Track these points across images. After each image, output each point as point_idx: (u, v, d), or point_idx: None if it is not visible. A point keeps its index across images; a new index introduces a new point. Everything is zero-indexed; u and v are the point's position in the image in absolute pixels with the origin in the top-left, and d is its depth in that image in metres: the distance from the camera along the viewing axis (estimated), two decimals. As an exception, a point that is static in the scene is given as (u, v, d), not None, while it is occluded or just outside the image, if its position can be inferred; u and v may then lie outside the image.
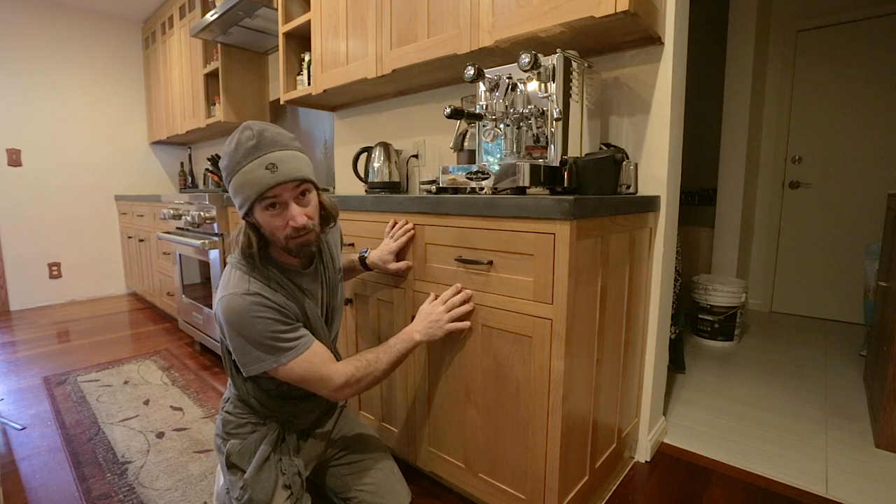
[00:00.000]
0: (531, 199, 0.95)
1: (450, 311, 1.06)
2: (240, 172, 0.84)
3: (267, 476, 0.97)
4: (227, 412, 1.05)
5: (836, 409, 1.75)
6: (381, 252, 1.22)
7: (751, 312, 3.10)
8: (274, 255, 0.96)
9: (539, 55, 1.12)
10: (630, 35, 1.27)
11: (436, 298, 1.11)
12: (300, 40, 2.26)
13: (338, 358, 1.02)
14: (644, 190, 1.38)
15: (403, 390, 1.31)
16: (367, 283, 1.37)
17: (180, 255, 2.52)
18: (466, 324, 1.08)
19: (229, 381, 1.06)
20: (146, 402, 1.87)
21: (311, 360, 0.92)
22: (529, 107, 1.23)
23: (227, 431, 1.04)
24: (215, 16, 2.36)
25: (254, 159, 0.83)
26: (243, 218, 0.91)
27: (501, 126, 1.27)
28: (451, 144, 1.36)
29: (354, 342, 1.46)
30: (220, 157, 3.15)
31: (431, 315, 1.06)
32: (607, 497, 1.28)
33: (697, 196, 3.26)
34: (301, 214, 0.88)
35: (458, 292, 1.08)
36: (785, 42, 2.94)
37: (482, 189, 1.21)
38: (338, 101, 2.28)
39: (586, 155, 1.19)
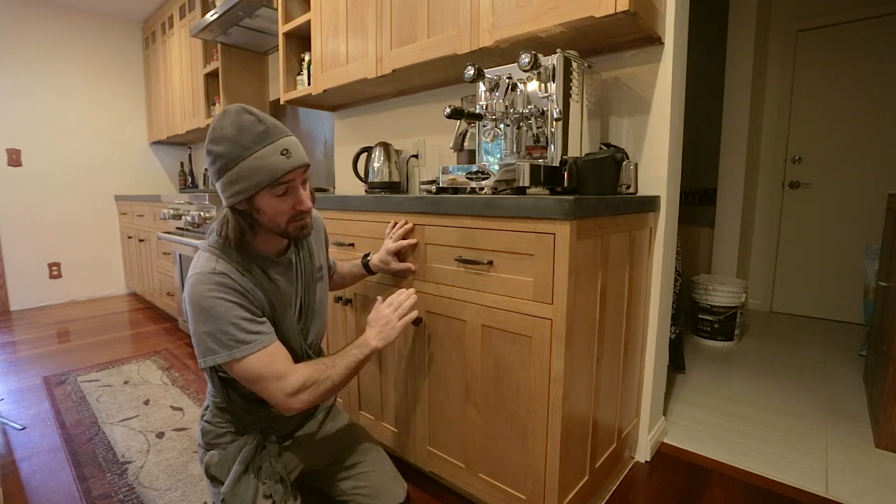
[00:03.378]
0: (531, 199, 0.95)
1: (396, 310, 1.05)
2: (251, 157, 0.81)
3: (245, 488, 0.95)
4: (206, 421, 1.03)
5: (836, 409, 1.75)
6: (381, 254, 1.22)
7: (751, 312, 3.10)
8: (254, 244, 0.94)
9: (539, 55, 1.12)
10: (630, 35, 1.27)
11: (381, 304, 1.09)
12: (300, 40, 2.26)
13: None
14: (644, 190, 1.38)
15: (403, 390, 1.31)
16: (367, 283, 1.37)
17: (180, 255, 2.52)
18: (415, 313, 1.09)
19: (209, 387, 1.04)
20: (146, 402, 1.87)
21: (270, 357, 0.87)
22: (529, 107, 1.23)
23: (208, 442, 1.02)
24: (215, 16, 2.36)
25: (267, 144, 0.82)
26: (234, 206, 0.87)
27: (501, 126, 1.27)
28: (451, 144, 1.36)
29: (354, 342, 1.46)
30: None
31: (380, 320, 1.04)
32: (607, 497, 1.28)
33: (697, 196, 3.26)
34: (308, 198, 0.90)
35: (409, 297, 1.09)
36: (785, 42, 2.94)
37: (482, 189, 1.21)
38: (338, 101, 2.28)
39: (586, 155, 1.19)
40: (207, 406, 1.06)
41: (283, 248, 1.00)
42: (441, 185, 1.33)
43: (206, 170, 3.45)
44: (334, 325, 1.53)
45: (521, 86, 1.24)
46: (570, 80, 1.19)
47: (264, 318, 0.91)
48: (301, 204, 0.89)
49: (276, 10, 2.21)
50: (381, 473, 1.11)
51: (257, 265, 0.93)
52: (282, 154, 0.83)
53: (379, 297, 1.13)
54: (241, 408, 0.99)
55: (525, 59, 1.10)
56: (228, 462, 0.98)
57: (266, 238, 0.94)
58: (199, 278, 0.85)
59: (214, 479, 0.99)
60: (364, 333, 1.03)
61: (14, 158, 3.35)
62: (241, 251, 0.91)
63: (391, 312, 1.05)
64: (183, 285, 2.53)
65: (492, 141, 1.27)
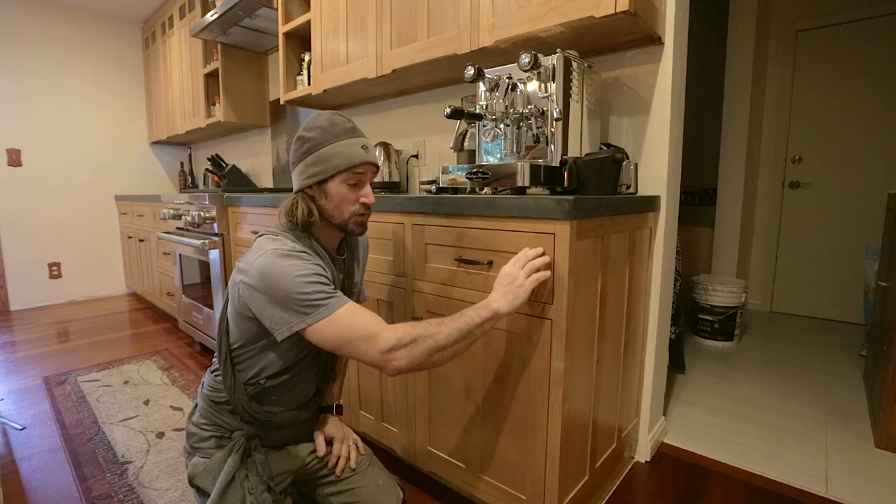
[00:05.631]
0: (531, 199, 0.95)
1: (524, 266, 0.92)
2: (336, 144, 0.91)
3: (233, 499, 0.93)
4: (193, 423, 1.02)
5: (836, 409, 1.75)
6: (335, 426, 1.14)
7: (751, 312, 3.10)
8: (315, 233, 0.98)
9: (539, 55, 1.12)
10: (630, 35, 1.27)
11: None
12: (300, 40, 2.26)
13: None
14: (644, 190, 1.38)
15: (403, 390, 1.31)
16: (367, 284, 1.37)
17: (180, 255, 2.52)
18: (547, 273, 0.94)
19: (204, 381, 1.03)
20: (146, 402, 1.87)
21: (354, 312, 0.84)
22: (529, 107, 1.23)
23: (192, 444, 1.01)
24: (215, 16, 2.36)
25: (351, 137, 0.93)
26: (303, 190, 0.95)
27: (501, 126, 1.27)
28: (451, 144, 1.36)
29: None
30: (219, 156, 3.14)
31: (504, 279, 0.91)
32: (607, 497, 1.28)
33: (697, 196, 3.26)
34: (372, 194, 0.97)
35: (539, 255, 0.94)
36: (785, 42, 2.94)
37: (482, 189, 1.21)
38: (338, 101, 2.28)
39: (586, 155, 1.19)
40: (196, 406, 1.05)
41: (337, 247, 1.04)
42: (441, 185, 1.33)
43: (206, 170, 3.45)
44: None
45: (521, 86, 1.24)
46: (570, 80, 1.19)
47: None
48: (367, 197, 0.96)
49: (276, 10, 2.21)
50: (372, 488, 1.09)
51: (326, 255, 0.99)
52: (361, 147, 0.94)
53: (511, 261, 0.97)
54: (241, 405, 0.98)
55: (525, 59, 1.10)
56: (213, 472, 0.96)
57: (325, 231, 0.99)
58: (275, 253, 0.87)
59: (199, 490, 0.97)
60: (489, 296, 0.93)
61: (14, 158, 3.35)
62: (310, 239, 0.96)
63: (517, 269, 0.92)
64: (183, 286, 2.53)
65: (492, 141, 1.27)
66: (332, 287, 0.89)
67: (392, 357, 0.81)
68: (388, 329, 0.83)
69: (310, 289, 0.84)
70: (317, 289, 0.84)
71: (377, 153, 1.94)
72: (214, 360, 1.03)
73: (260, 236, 0.95)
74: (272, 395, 1.00)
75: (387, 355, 0.81)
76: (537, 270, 0.93)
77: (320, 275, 0.87)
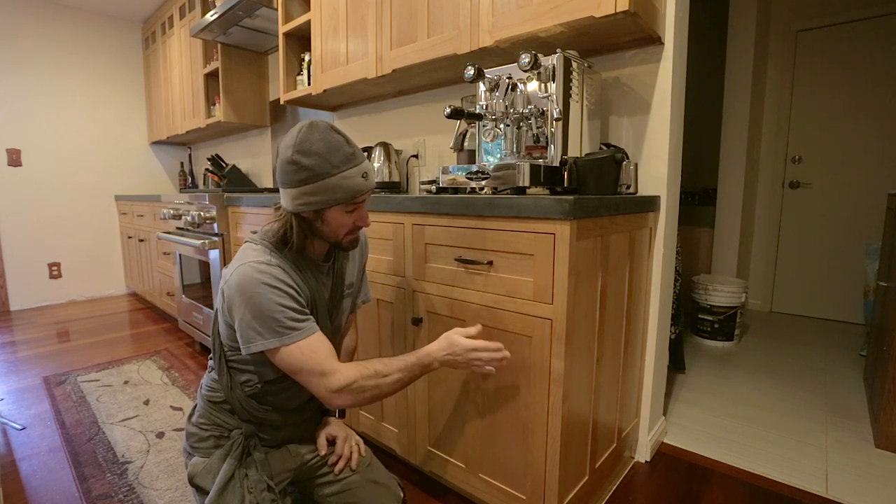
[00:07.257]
0: (531, 199, 0.95)
1: (477, 356, 0.97)
2: (338, 176, 0.88)
3: (231, 498, 0.93)
4: (192, 423, 1.03)
5: (836, 409, 1.75)
6: (336, 429, 1.14)
7: (751, 312, 3.10)
8: (305, 245, 0.98)
9: (539, 55, 1.12)
10: (630, 35, 1.27)
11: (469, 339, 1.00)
12: (300, 40, 2.26)
13: None
14: (644, 190, 1.38)
15: (403, 391, 1.30)
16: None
17: (180, 255, 2.52)
18: (491, 369, 0.98)
19: (204, 381, 1.04)
20: (146, 402, 1.87)
21: (315, 348, 0.89)
22: (529, 107, 1.23)
23: (192, 445, 1.01)
24: (215, 16, 2.36)
25: (353, 166, 0.89)
26: (299, 213, 0.92)
27: (501, 126, 1.27)
28: (451, 144, 1.36)
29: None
30: (219, 156, 3.13)
31: (457, 347, 0.97)
32: (607, 497, 1.28)
33: (697, 196, 3.26)
34: (367, 217, 0.98)
35: (498, 350, 0.98)
36: (785, 42, 2.94)
37: (482, 189, 1.21)
38: (338, 101, 2.28)
39: (586, 155, 1.19)
40: (195, 406, 1.05)
41: (325, 254, 1.03)
42: (441, 185, 1.33)
43: (206, 170, 3.45)
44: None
45: (521, 86, 1.24)
46: (570, 80, 1.19)
47: (308, 311, 0.94)
48: (363, 220, 0.96)
49: (276, 10, 2.21)
50: (371, 488, 1.09)
51: (307, 266, 0.98)
52: (362, 177, 0.91)
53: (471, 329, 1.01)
54: (239, 403, 0.98)
55: (525, 59, 1.10)
56: (213, 471, 0.96)
57: (316, 243, 0.99)
58: (253, 266, 0.88)
59: (199, 489, 0.97)
60: (430, 345, 0.98)
61: (14, 158, 3.35)
62: (294, 252, 0.95)
63: (469, 349, 0.96)
64: (183, 286, 2.53)
65: (492, 141, 1.27)
66: (305, 311, 0.91)
67: (335, 396, 0.88)
68: (340, 371, 0.88)
69: (279, 314, 0.86)
70: (287, 314, 0.87)
71: (377, 153, 1.94)
72: (210, 360, 1.03)
73: (245, 242, 0.97)
74: (269, 397, 1.00)
75: (331, 395, 0.88)
76: (483, 364, 0.97)
77: (290, 295, 0.88)
